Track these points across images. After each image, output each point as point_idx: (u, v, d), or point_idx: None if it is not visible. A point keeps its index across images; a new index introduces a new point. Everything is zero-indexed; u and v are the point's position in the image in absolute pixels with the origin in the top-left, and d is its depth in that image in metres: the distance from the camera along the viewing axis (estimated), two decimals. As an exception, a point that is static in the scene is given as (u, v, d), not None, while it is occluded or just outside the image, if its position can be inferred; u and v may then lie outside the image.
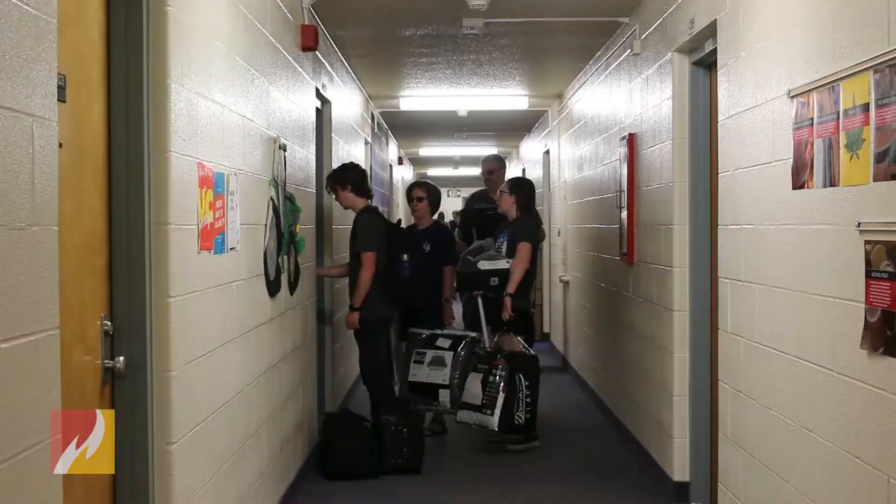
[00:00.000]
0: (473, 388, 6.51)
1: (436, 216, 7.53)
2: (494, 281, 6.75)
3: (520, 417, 6.48)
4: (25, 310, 2.12)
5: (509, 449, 6.76)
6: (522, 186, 7.23)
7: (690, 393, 5.43)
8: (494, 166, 8.29)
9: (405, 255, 6.77)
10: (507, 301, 6.65)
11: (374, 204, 6.83)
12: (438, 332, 6.94)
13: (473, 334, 6.90)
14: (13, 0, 2.07)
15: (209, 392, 3.69)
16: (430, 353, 6.77)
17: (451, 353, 6.73)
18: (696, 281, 5.38)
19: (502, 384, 6.43)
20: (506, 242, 6.91)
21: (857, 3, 3.10)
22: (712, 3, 4.69)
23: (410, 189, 7.46)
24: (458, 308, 7.38)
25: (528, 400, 6.51)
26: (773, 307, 3.85)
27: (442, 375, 6.68)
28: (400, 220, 7.19)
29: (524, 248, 6.78)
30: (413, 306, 6.89)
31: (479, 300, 6.86)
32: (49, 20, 2.25)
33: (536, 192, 10.81)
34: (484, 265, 6.86)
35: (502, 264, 6.80)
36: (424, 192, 7.21)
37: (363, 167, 7.09)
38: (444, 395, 6.68)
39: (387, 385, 6.65)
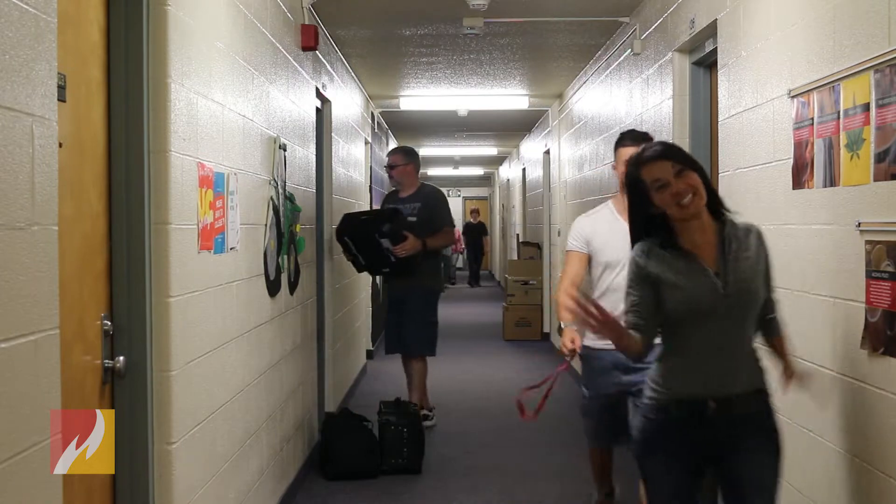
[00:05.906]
0: None
1: None
2: None
3: None
4: (25, 310, 2.12)
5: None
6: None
7: (690, 393, 5.42)
8: (398, 160, 7.38)
9: None
10: None
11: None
12: None
13: None
14: (13, 0, 2.07)
15: (209, 392, 3.69)
16: None
17: None
18: (696, 281, 5.37)
19: None
20: None
21: (858, 3, 3.10)
22: (712, 3, 4.69)
23: None
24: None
25: None
26: (774, 307, 3.84)
27: None
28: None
29: None
30: None
31: None
32: (49, 20, 2.25)
33: (536, 192, 10.71)
34: None
35: None
36: None
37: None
38: None
39: None
